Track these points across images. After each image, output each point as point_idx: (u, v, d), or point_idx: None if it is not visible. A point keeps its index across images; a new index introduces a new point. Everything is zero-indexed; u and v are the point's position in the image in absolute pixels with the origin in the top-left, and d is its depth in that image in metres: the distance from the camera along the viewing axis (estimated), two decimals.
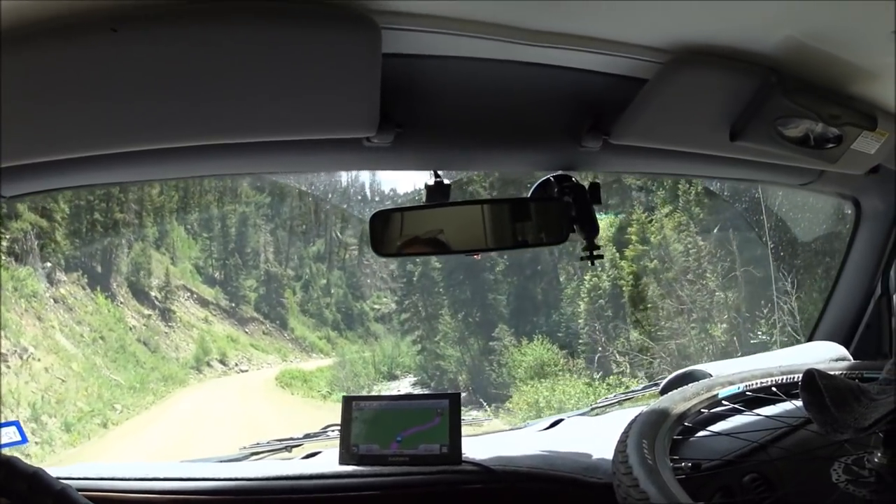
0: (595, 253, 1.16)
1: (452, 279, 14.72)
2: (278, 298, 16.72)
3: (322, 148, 1.06)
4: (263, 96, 0.90)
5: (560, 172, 1.19)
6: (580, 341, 12.20)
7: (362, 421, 1.19)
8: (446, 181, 1.14)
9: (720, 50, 1.04)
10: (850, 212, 1.60)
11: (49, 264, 12.33)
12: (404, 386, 14.98)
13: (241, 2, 0.80)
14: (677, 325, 10.73)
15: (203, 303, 16.26)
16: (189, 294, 16.11)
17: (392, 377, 15.61)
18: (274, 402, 13.28)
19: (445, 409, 1.17)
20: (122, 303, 14.39)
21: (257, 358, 16.13)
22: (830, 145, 1.20)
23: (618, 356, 11.47)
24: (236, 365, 15.61)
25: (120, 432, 11.01)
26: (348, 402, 1.20)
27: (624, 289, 11.65)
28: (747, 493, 1.08)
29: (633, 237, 11.47)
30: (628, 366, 11.29)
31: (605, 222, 11.40)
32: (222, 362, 15.46)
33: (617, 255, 11.64)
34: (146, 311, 14.84)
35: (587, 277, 12.20)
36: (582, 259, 1.17)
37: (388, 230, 1.14)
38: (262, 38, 0.82)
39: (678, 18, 0.97)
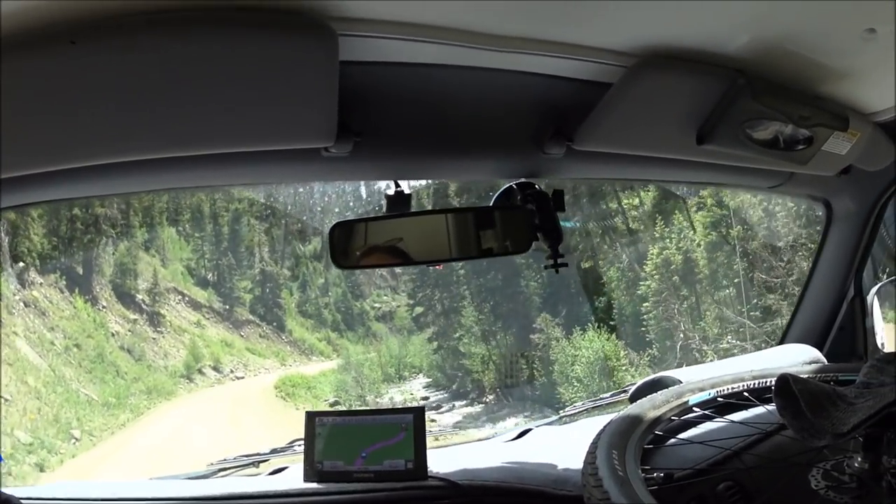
0: (560, 261, 1.13)
1: (476, 265, 12.68)
2: (275, 299, 15.90)
3: (279, 159, 1.04)
4: (220, 107, 0.88)
5: (523, 180, 1.18)
6: (644, 328, 10.53)
7: (326, 437, 1.17)
8: (407, 190, 1.11)
9: (686, 53, 1.03)
10: (820, 213, 1.58)
11: (22, 264, 11.31)
12: (416, 388, 14.13)
13: (197, 12, 0.78)
14: (772, 302, 8.89)
15: (195, 306, 15.13)
16: (180, 297, 15.01)
17: (401, 379, 14.68)
18: (274, 419, 11.65)
19: (410, 424, 1.15)
20: (104, 307, 13.15)
21: (254, 363, 14.96)
22: (801, 147, 1.19)
23: (701, 343, 9.76)
24: (231, 372, 14.37)
25: (62, 473, 8.84)
26: (311, 418, 1.18)
27: (700, 262, 9.93)
28: (722, 501, 1.06)
29: (708, 200, 9.81)
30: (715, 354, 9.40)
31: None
32: (216, 369, 14.15)
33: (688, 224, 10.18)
34: (132, 316, 13.61)
35: (654, 252, 10.45)
36: (546, 268, 1.14)
37: (349, 242, 1.13)
38: (218, 48, 0.81)
39: (643, 21, 0.95)
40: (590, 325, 11.18)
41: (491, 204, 1.18)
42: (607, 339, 10.80)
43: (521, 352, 12.44)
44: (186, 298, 15.02)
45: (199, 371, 13.74)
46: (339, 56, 0.85)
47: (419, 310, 14.75)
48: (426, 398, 13.38)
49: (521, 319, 12.58)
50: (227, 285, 15.50)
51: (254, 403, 12.69)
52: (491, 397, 12.78)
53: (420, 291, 14.55)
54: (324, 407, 12.67)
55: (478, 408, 12.76)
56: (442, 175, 1.26)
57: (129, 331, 13.22)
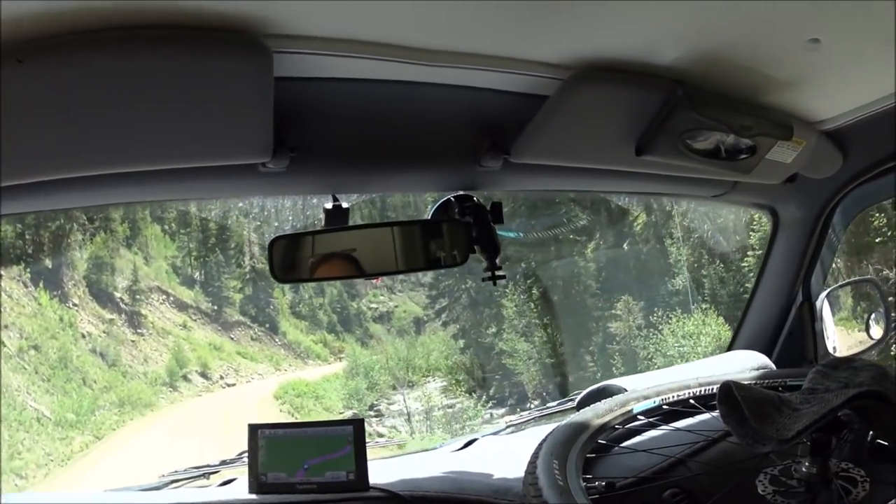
0: (497, 274, 1.13)
1: (513, 247, 10.72)
2: (267, 299, 14.92)
3: (216, 174, 1.04)
4: (157, 124, 0.89)
5: (461, 192, 1.18)
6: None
7: (269, 449, 1.17)
8: (345, 205, 1.11)
9: (623, 64, 1.03)
10: (766, 221, 1.59)
11: None
12: (433, 394, 12.71)
13: (135, 30, 0.79)
14: None
15: (181, 306, 13.86)
16: (164, 297, 13.65)
17: (410, 384, 13.28)
18: None
19: (351, 436, 1.15)
20: (76, 304, 11.64)
21: (246, 368, 13.64)
22: (743, 156, 1.19)
23: None
24: (221, 378, 12.98)
25: None
26: (254, 430, 1.18)
27: None
28: None
29: None
30: None
31: None
32: (204, 375, 12.76)
33: None
34: (108, 315, 12.14)
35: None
36: (484, 280, 1.14)
37: (289, 256, 1.13)
38: (155, 66, 0.82)
39: (578, 34, 0.96)
40: (678, 308, 9.72)
41: (429, 217, 1.19)
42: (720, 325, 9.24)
43: (585, 345, 10.59)
44: (171, 298, 13.83)
45: (185, 378, 12.27)
46: (273, 73, 0.85)
47: (443, 302, 13.24)
48: (450, 406, 12.26)
49: (583, 307, 10.64)
50: (216, 284, 14.48)
51: (253, 419, 9.46)
52: (536, 403, 10.82)
53: (444, 280, 12.99)
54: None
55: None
56: (380, 189, 1.27)
57: (104, 332, 11.74)
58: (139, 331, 12.51)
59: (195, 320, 13.82)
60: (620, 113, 1.08)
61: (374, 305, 15.93)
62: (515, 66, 1.00)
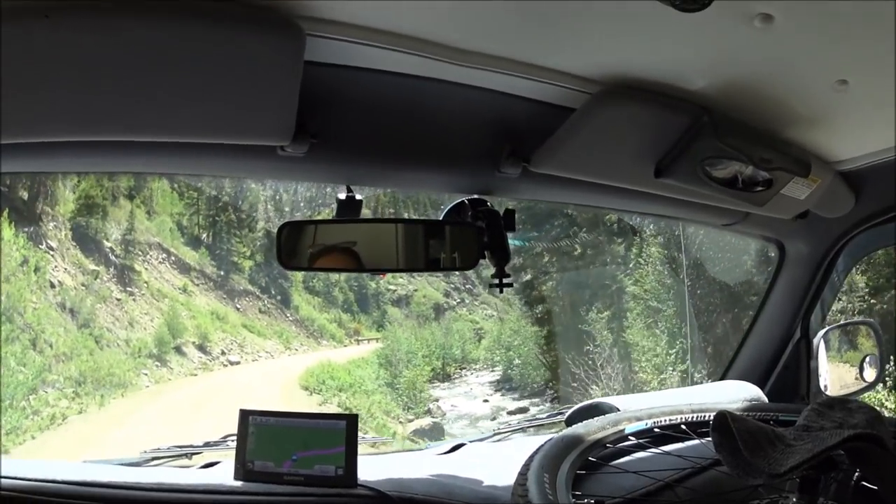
0: (504, 281, 1.12)
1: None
2: (280, 268, 13.15)
3: (233, 153, 1.02)
4: (180, 96, 0.88)
5: (476, 196, 1.17)
6: None
7: (258, 436, 1.16)
8: (358, 196, 1.10)
9: (651, 85, 1.03)
10: (773, 254, 1.59)
11: None
12: (493, 396, 11.12)
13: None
14: None
15: (183, 268, 12.15)
16: (165, 255, 11.89)
17: (447, 377, 11.73)
18: None
19: (343, 432, 1.14)
20: (52, 248, 9.40)
21: (252, 343, 11.71)
22: (759, 188, 1.19)
23: None
24: (223, 353, 10.98)
25: None
26: (244, 416, 1.16)
27: None
28: None
29: None
30: None
31: None
32: (201, 349, 10.70)
33: None
34: (91, 266, 9.93)
35: None
36: (491, 286, 1.14)
37: (297, 242, 1.12)
38: (184, 37, 0.80)
39: (611, 50, 0.95)
40: None
41: (441, 217, 1.18)
42: None
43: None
44: (172, 258, 12.10)
45: (177, 350, 10.14)
46: (304, 56, 0.84)
47: (527, 277, 10.61)
48: (523, 409, 10.29)
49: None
50: (224, 247, 12.95)
51: None
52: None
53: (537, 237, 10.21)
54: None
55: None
56: (395, 185, 1.26)
57: (82, 284, 9.43)
58: (128, 288, 10.56)
59: (197, 285, 12.22)
60: (644, 133, 1.07)
61: (392, 287, 15.06)
62: (544, 75, 0.99)
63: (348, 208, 1.10)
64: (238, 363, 10.96)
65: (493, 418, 10.42)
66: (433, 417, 10.55)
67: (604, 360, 9.31)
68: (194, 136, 0.97)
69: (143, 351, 9.38)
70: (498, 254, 1.12)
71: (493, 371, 12.38)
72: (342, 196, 1.10)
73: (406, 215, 10.37)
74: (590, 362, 9.30)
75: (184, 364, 10.07)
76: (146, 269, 11.19)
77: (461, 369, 12.63)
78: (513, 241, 1.13)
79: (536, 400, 10.59)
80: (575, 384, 9.39)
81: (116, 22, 0.77)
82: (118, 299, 10.07)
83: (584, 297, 10.26)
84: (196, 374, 9.89)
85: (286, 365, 11.13)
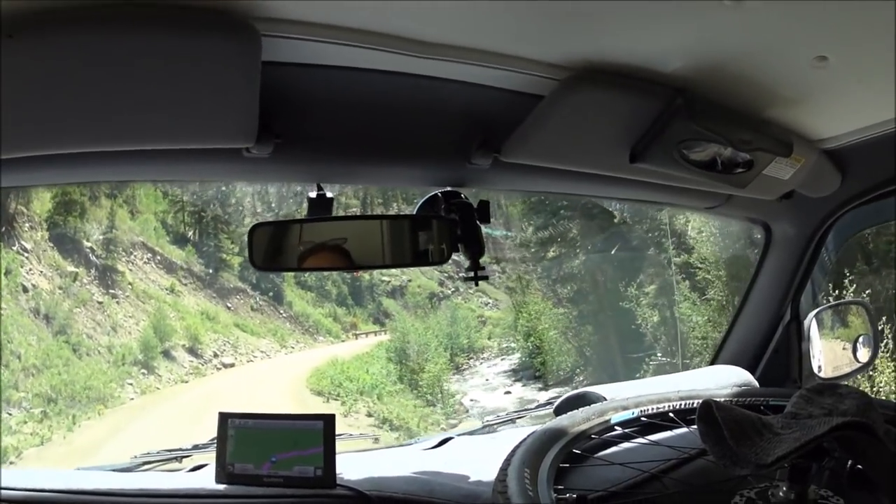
0: (480, 274, 1.12)
1: None
2: None
3: (199, 157, 1.04)
4: (138, 103, 0.89)
5: (448, 189, 1.17)
6: None
7: (238, 439, 1.17)
8: (329, 194, 1.10)
9: (623, 69, 1.02)
10: (759, 236, 1.58)
11: None
12: (497, 373, 10.63)
13: (122, 7, 0.78)
14: None
15: (169, 267, 11.69)
16: (150, 255, 11.44)
17: (457, 368, 11.03)
18: None
19: (321, 433, 1.14)
20: (27, 250, 9.00)
21: (246, 343, 11.38)
22: (740, 170, 1.19)
23: None
24: (215, 356, 10.64)
25: None
26: (224, 419, 1.17)
27: None
28: None
29: None
30: None
31: None
32: (192, 351, 10.30)
33: None
34: (70, 268, 9.56)
35: None
36: (466, 280, 1.13)
37: (271, 243, 1.12)
38: (138, 43, 0.81)
39: (579, 35, 0.95)
40: None
41: (414, 212, 1.18)
42: None
43: None
44: (158, 257, 11.67)
45: (166, 354, 9.52)
46: (261, 56, 0.84)
47: (553, 252, 9.95)
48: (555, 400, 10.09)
49: None
50: (211, 244, 12.56)
51: None
52: None
53: (555, 225, 9.56)
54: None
55: None
56: (365, 181, 1.27)
57: (60, 288, 8.92)
58: (111, 291, 10.02)
59: (186, 284, 11.79)
60: (617, 118, 1.07)
61: (385, 279, 14.64)
62: (512, 64, 0.99)
63: (319, 206, 1.11)
64: (232, 365, 10.64)
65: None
66: (471, 416, 9.81)
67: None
68: (158, 142, 0.98)
69: (128, 358, 8.65)
70: (472, 246, 1.13)
71: (504, 359, 11.91)
72: (312, 195, 1.10)
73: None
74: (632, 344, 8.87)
75: (173, 370, 9.56)
76: (130, 269, 10.89)
77: (469, 359, 12.38)
78: (493, 232, 1.13)
79: (567, 388, 10.12)
80: (611, 367, 8.97)
81: (72, 36, 0.78)
82: (100, 302, 9.60)
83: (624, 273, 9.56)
84: (187, 381, 9.36)
85: (286, 364, 10.79)
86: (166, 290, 11.02)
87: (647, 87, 1.03)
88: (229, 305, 12.19)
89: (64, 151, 0.95)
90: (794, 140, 1.19)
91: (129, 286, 10.30)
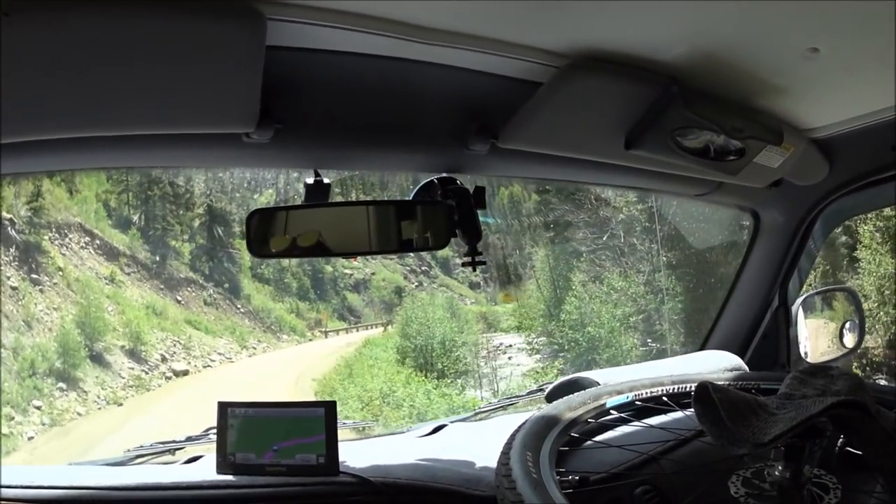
0: (477, 259, 1.16)
1: None
2: (226, 250, 11.48)
3: (198, 142, 1.06)
4: (139, 86, 0.90)
5: (445, 175, 1.22)
6: None
7: (239, 428, 1.20)
8: (326, 180, 1.14)
9: (619, 57, 1.08)
10: (747, 223, 1.64)
11: None
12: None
13: None
14: None
15: (110, 254, 10.05)
16: (87, 238, 9.89)
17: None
18: None
19: (323, 420, 1.17)
20: None
21: (200, 344, 9.98)
22: (732, 158, 1.25)
23: None
24: (163, 360, 9.05)
25: None
26: (224, 408, 1.20)
27: None
28: None
29: None
30: None
31: None
32: (134, 355, 8.57)
33: None
34: None
35: None
36: (463, 265, 1.17)
37: (266, 230, 1.15)
38: (140, 26, 0.82)
39: (577, 23, 1.00)
40: None
41: (411, 197, 1.22)
42: None
43: None
44: (97, 242, 10.15)
45: (96, 358, 7.77)
46: (266, 41, 0.86)
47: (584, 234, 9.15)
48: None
49: None
50: (158, 227, 11.18)
51: None
52: None
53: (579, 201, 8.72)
54: None
55: None
56: (363, 166, 1.29)
57: None
58: (32, 275, 8.25)
59: (128, 273, 10.25)
60: (612, 105, 1.13)
61: (347, 271, 14.12)
62: (510, 50, 1.03)
63: (317, 192, 1.14)
64: (186, 372, 9.13)
65: None
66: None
67: None
68: (158, 127, 1.00)
69: (40, 366, 6.63)
70: (469, 232, 1.17)
71: (532, 355, 11.23)
72: (310, 180, 1.13)
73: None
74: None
75: (105, 381, 7.97)
76: (63, 253, 9.22)
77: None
78: (486, 219, 1.16)
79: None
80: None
81: (74, 17, 0.79)
82: (14, 288, 7.61)
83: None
84: (122, 403, 7.27)
85: (257, 371, 9.12)
86: (105, 278, 9.47)
87: (643, 74, 1.10)
88: (179, 298, 10.87)
89: (62, 136, 0.96)
90: (784, 129, 1.26)
91: (59, 272, 8.65)
